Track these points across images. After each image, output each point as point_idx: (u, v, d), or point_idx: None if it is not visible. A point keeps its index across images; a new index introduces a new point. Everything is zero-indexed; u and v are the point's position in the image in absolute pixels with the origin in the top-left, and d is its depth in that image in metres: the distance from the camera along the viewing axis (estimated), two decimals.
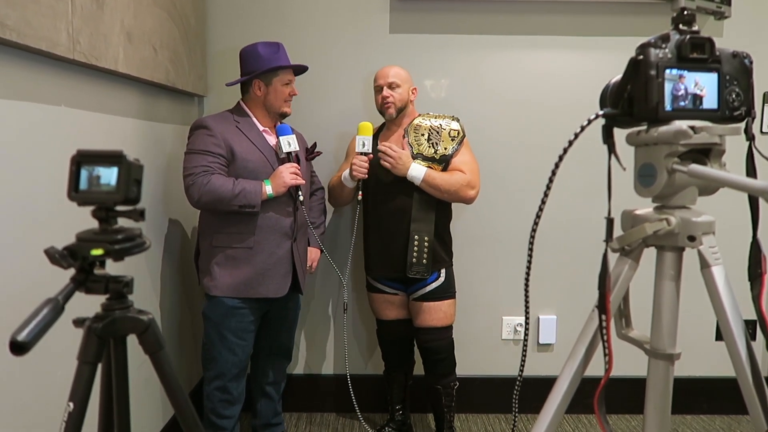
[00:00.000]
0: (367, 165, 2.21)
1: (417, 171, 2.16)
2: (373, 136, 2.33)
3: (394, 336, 2.40)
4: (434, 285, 2.25)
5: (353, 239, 2.47)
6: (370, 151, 2.22)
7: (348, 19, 2.60)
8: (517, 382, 1.16)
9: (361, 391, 2.74)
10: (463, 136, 2.23)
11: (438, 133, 2.20)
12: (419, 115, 2.28)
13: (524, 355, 1.14)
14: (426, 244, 2.19)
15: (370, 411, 2.76)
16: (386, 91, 2.23)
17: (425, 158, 2.19)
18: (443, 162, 2.20)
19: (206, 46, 2.58)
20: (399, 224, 2.21)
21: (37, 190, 1.40)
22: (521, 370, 1.14)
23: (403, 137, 2.24)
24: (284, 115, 2.16)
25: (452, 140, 2.20)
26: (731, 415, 2.76)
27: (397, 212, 2.21)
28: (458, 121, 2.26)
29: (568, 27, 2.60)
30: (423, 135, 2.21)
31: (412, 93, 2.30)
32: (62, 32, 1.40)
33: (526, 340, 1.14)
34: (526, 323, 1.12)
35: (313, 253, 2.34)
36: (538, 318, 2.72)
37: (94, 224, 0.89)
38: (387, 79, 2.23)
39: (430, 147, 2.19)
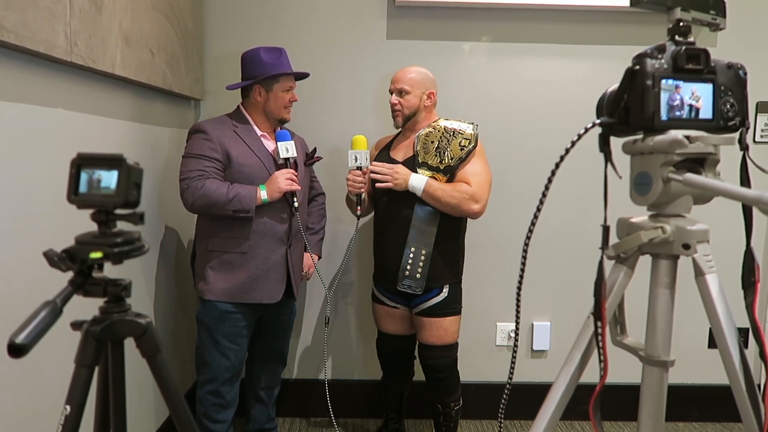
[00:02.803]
0: (362, 179, 2.15)
1: (418, 181, 2.07)
2: (390, 142, 2.29)
3: (393, 350, 2.34)
4: (435, 300, 2.15)
5: (348, 251, 2.46)
6: (365, 165, 2.15)
7: (345, 25, 2.61)
8: (505, 391, 1.16)
9: (356, 396, 2.74)
10: (474, 145, 2.10)
11: (449, 141, 2.09)
12: (437, 120, 2.17)
13: (513, 364, 1.14)
14: (422, 258, 2.09)
15: (365, 416, 2.76)
16: (394, 98, 2.16)
17: (430, 167, 2.09)
18: (448, 173, 2.09)
19: (203, 50, 2.59)
20: (398, 236, 2.13)
21: (33, 192, 1.39)
22: (510, 379, 1.14)
23: (413, 144, 2.16)
24: (284, 121, 2.16)
25: (461, 150, 2.08)
26: (724, 422, 2.77)
27: (398, 223, 2.13)
28: (475, 128, 2.14)
29: (564, 35, 2.62)
30: (433, 143, 2.11)
31: (428, 98, 2.17)
32: (60, 35, 1.40)
33: (515, 348, 1.15)
34: (516, 330, 1.13)
35: (309, 260, 2.34)
36: (532, 324, 2.73)
37: (89, 226, 0.89)
38: (397, 85, 2.15)
39: (436, 156, 2.09)
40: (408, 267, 2.11)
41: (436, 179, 2.09)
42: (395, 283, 2.14)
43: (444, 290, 2.16)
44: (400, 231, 2.13)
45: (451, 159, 2.09)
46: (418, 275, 2.10)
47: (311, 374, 2.77)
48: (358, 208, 2.20)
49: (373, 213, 2.34)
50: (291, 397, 2.74)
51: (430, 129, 2.14)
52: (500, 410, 1.21)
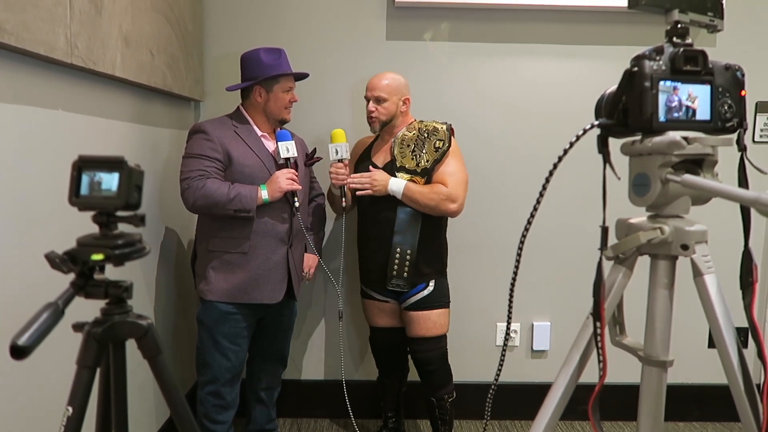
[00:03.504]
0: (344, 171, 2.20)
1: (397, 185, 2.13)
2: (368, 147, 2.34)
3: (386, 344, 2.38)
4: (422, 294, 2.21)
5: (343, 247, 2.49)
6: (345, 156, 2.21)
7: (345, 25, 2.61)
8: (492, 388, 1.17)
9: (354, 397, 2.74)
10: (448, 146, 2.16)
11: (423, 143, 2.16)
12: (411, 122, 2.25)
13: (501, 361, 1.15)
14: (408, 257, 2.16)
15: (363, 417, 2.76)
16: (371, 106, 2.21)
17: (408, 171, 2.16)
18: (425, 175, 2.15)
19: (203, 51, 2.59)
20: (383, 236, 2.19)
21: (34, 194, 1.40)
22: (497, 377, 1.15)
23: (391, 149, 2.22)
24: (284, 122, 2.16)
25: (436, 151, 2.15)
26: (723, 422, 2.78)
27: (382, 224, 2.19)
28: (448, 128, 2.20)
29: (564, 35, 2.62)
30: (409, 146, 2.17)
31: (403, 104, 2.23)
32: (60, 36, 1.40)
33: (505, 346, 1.15)
34: (507, 328, 1.13)
35: (310, 260, 2.34)
36: (532, 324, 2.73)
37: (90, 228, 0.89)
38: (374, 93, 2.19)
39: (413, 159, 2.16)
40: (395, 267, 2.17)
41: (414, 182, 2.15)
42: (383, 284, 2.21)
43: (430, 285, 2.23)
44: (385, 232, 2.19)
45: (427, 162, 2.16)
46: (405, 274, 2.17)
47: (312, 375, 2.77)
48: (343, 200, 2.25)
49: (356, 212, 2.38)
50: (291, 398, 2.74)
51: (406, 132, 2.21)
52: (486, 409, 1.22)
